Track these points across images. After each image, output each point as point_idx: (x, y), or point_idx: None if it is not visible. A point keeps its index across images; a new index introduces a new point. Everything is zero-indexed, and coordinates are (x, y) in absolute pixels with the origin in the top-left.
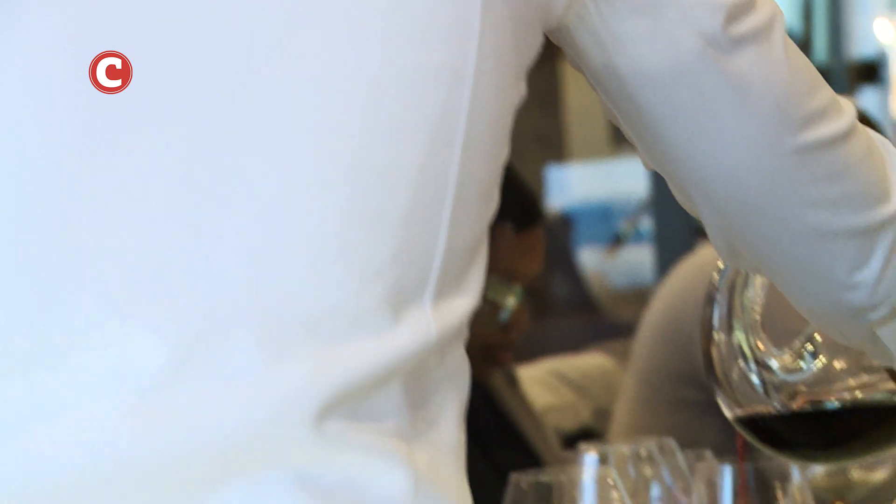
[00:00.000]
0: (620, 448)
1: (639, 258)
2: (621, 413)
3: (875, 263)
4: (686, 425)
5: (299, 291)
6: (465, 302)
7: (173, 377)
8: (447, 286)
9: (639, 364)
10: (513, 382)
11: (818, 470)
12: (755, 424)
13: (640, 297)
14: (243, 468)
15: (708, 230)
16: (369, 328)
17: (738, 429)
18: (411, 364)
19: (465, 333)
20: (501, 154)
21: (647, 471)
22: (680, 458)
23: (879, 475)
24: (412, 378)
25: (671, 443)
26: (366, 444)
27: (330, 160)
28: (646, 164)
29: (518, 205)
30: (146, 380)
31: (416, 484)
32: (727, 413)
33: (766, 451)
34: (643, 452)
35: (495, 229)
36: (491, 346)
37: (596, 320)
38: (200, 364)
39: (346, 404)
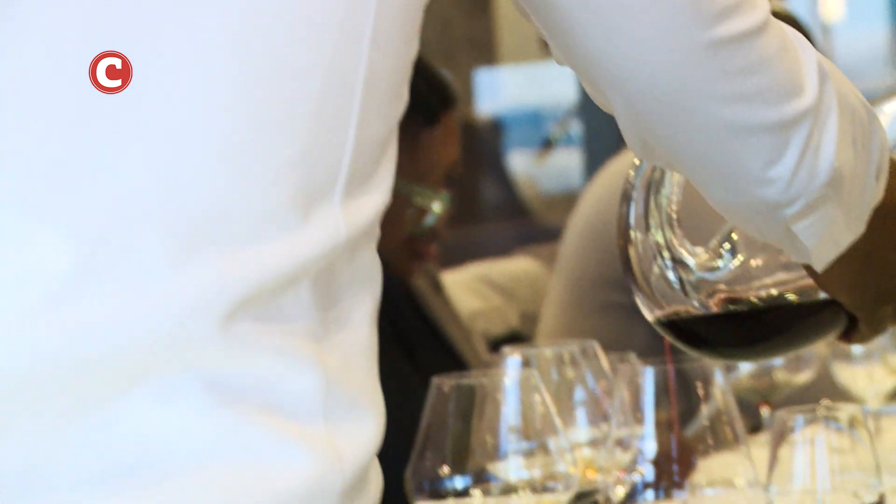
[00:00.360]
0: (543, 351)
1: (569, 162)
2: (548, 317)
3: (789, 159)
4: (613, 329)
5: (205, 191)
6: (374, 200)
7: (80, 280)
8: (356, 184)
9: (565, 268)
10: (437, 287)
11: (742, 371)
12: (675, 325)
13: (570, 201)
14: (152, 372)
15: (621, 126)
16: (278, 228)
17: (659, 329)
18: (321, 264)
19: (376, 233)
20: (411, 51)
21: (570, 373)
22: (602, 360)
23: (803, 377)
24: (322, 278)
25: (594, 345)
26: (275, 345)
27: (236, 58)
28: (557, 60)
29: (432, 92)
30: (53, 283)
31: (326, 384)
32: (647, 315)
33: (689, 352)
34: (566, 355)
35: (420, 135)
36: (415, 240)
37: (526, 225)
38: (107, 266)
39: (255, 306)
